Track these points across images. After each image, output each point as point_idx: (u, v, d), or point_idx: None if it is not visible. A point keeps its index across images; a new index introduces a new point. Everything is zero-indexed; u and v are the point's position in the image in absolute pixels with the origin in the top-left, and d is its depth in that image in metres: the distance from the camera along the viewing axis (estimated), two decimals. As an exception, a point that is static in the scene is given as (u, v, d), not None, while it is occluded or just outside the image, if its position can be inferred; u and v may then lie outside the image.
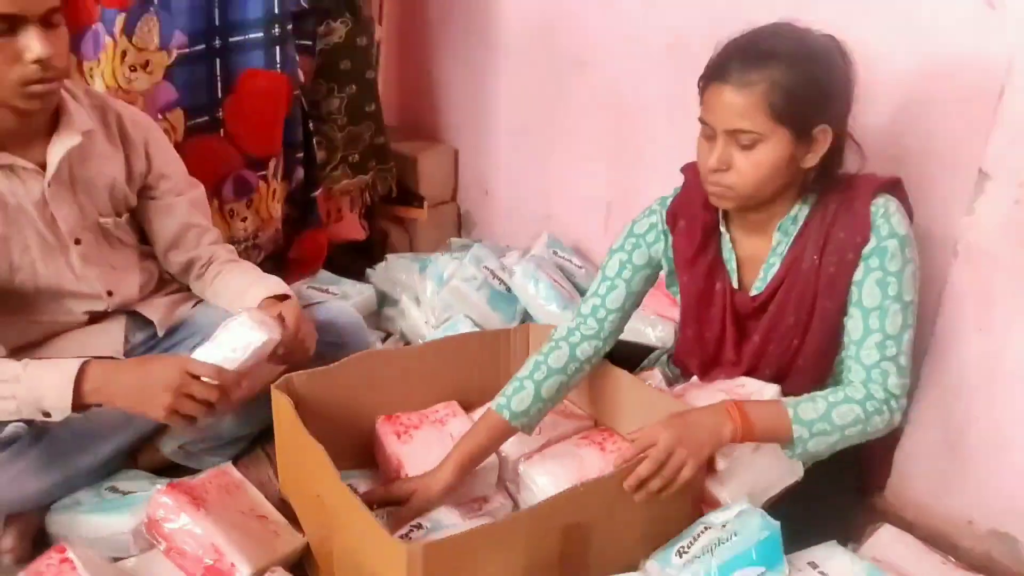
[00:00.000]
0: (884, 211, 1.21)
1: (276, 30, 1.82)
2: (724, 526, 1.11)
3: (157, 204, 1.47)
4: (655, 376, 1.47)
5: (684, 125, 1.78)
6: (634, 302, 1.40)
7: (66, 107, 1.30)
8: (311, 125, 2.03)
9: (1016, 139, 1.24)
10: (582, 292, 2.00)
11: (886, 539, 1.23)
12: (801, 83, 1.13)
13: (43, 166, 1.29)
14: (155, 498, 1.20)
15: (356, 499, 1.04)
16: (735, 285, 1.33)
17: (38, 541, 1.31)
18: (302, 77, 1.95)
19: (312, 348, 1.39)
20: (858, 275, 1.23)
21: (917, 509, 1.47)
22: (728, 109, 1.16)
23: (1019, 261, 1.27)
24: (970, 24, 1.29)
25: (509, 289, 1.99)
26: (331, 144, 2.11)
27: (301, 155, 2.01)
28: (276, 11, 1.81)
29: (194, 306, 1.53)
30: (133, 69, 1.65)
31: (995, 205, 1.28)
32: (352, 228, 2.26)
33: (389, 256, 2.18)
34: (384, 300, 2.09)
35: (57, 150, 1.29)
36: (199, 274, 1.52)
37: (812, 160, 1.20)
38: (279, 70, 1.85)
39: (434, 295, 1.95)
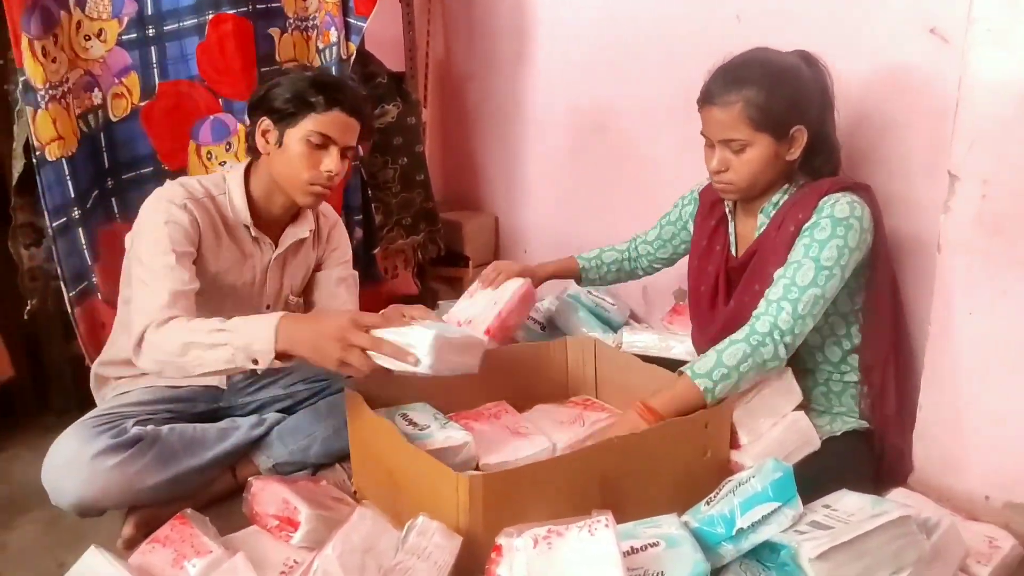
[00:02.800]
0: (833, 201, 1.42)
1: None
2: (747, 479, 1.26)
3: (318, 278, 1.79)
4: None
5: (693, 171, 2.04)
6: (660, 245, 1.82)
7: (305, 210, 1.69)
8: (369, 192, 2.33)
9: (975, 143, 1.44)
10: (614, 325, 2.19)
11: (898, 496, 1.36)
12: (772, 96, 1.39)
13: (275, 243, 1.67)
14: (250, 482, 1.42)
15: (419, 450, 1.23)
16: (732, 252, 1.57)
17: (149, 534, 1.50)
18: (361, 151, 2.26)
19: None
20: (795, 245, 1.43)
21: (939, 492, 1.56)
22: (717, 124, 1.43)
23: (992, 248, 1.44)
24: (928, 55, 1.54)
25: (543, 327, 2.19)
26: (387, 209, 2.40)
27: (360, 217, 2.30)
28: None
29: None
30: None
31: (966, 202, 1.46)
32: (407, 284, 2.51)
33: (441, 303, 2.41)
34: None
35: (288, 237, 1.68)
36: None
37: (794, 154, 1.45)
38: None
39: (482, 333, 2.16)
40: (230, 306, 1.62)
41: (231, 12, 1.93)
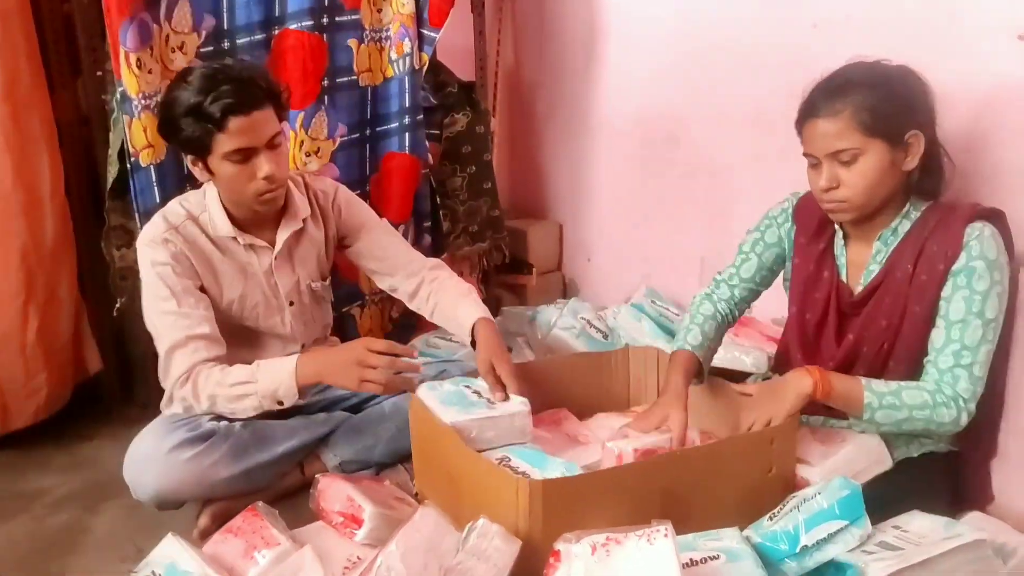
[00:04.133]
0: (978, 234, 1.34)
1: (408, 120, 2.20)
2: (813, 496, 1.23)
3: (359, 248, 1.81)
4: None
5: (767, 181, 2.01)
6: (763, 277, 1.62)
7: (291, 198, 1.70)
8: (438, 200, 2.37)
9: (1066, 156, 1.38)
10: (679, 336, 2.17)
11: (974, 520, 1.31)
12: (883, 99, 1.31)
13: (272, 243, 1.68)
14: (317, 479, 1.48)
15: (481, 456, 1.25)
16: (842, 279, 1.49)
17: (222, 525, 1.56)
18: (431, 159, 2.31)
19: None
20: (947, 291, 1.35)
21: (1018, 518, 1.49)
22: (825, 136, 1.34)
23: (1084, 270, 1.38)
24: (1017, 63, 1.45)
25: (606, 336, 2.18)
26: (454, 216, 2.44)
27: (429, 224, 2.35)
28: (409, 104, 2.19)
29: None
30: (308, 154, 2.08)
31: (1054, 218, 1.40)
32: (472, 290, 2.54)
33: (504, 309, 2.44)
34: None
35: (283, 233, 1.68)
36: (413, 293, 1.79)
37: (911, 163, 1.36)
38: (411, 153, 2.22)
39: (544, 339, 2.17)
40: (259, 315, 1.68)
41: (294, 28, 2.00)
